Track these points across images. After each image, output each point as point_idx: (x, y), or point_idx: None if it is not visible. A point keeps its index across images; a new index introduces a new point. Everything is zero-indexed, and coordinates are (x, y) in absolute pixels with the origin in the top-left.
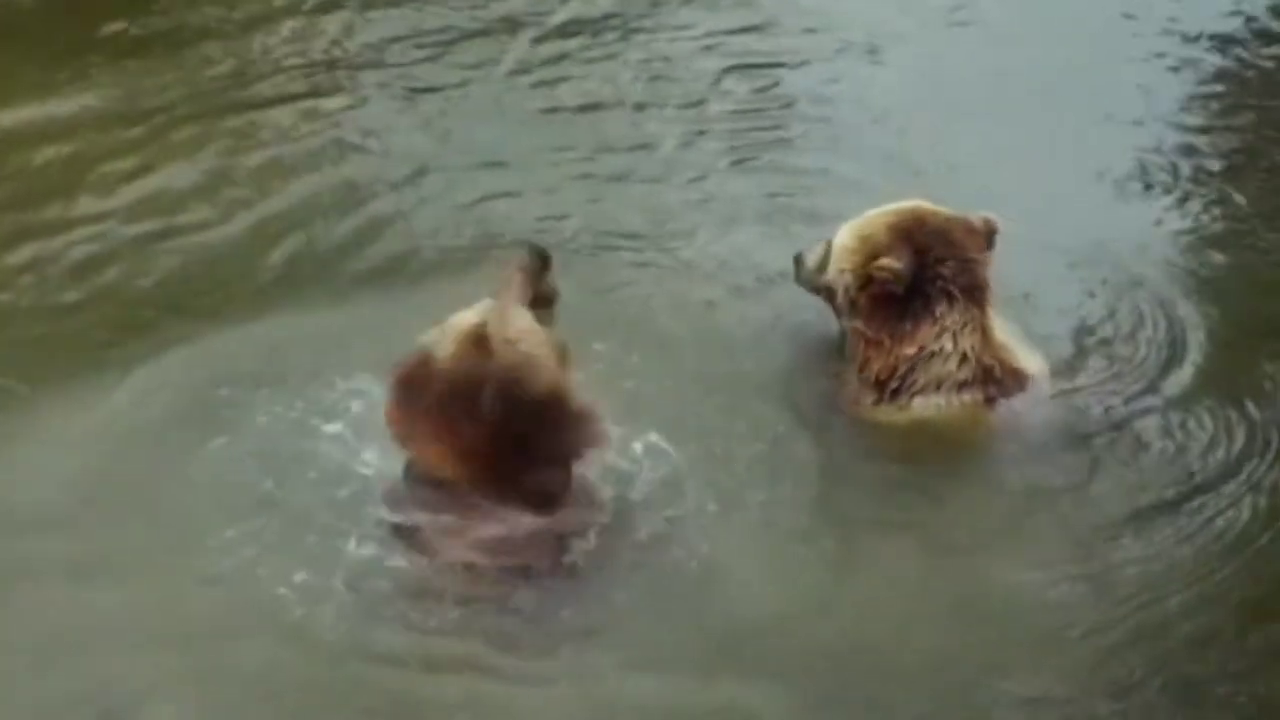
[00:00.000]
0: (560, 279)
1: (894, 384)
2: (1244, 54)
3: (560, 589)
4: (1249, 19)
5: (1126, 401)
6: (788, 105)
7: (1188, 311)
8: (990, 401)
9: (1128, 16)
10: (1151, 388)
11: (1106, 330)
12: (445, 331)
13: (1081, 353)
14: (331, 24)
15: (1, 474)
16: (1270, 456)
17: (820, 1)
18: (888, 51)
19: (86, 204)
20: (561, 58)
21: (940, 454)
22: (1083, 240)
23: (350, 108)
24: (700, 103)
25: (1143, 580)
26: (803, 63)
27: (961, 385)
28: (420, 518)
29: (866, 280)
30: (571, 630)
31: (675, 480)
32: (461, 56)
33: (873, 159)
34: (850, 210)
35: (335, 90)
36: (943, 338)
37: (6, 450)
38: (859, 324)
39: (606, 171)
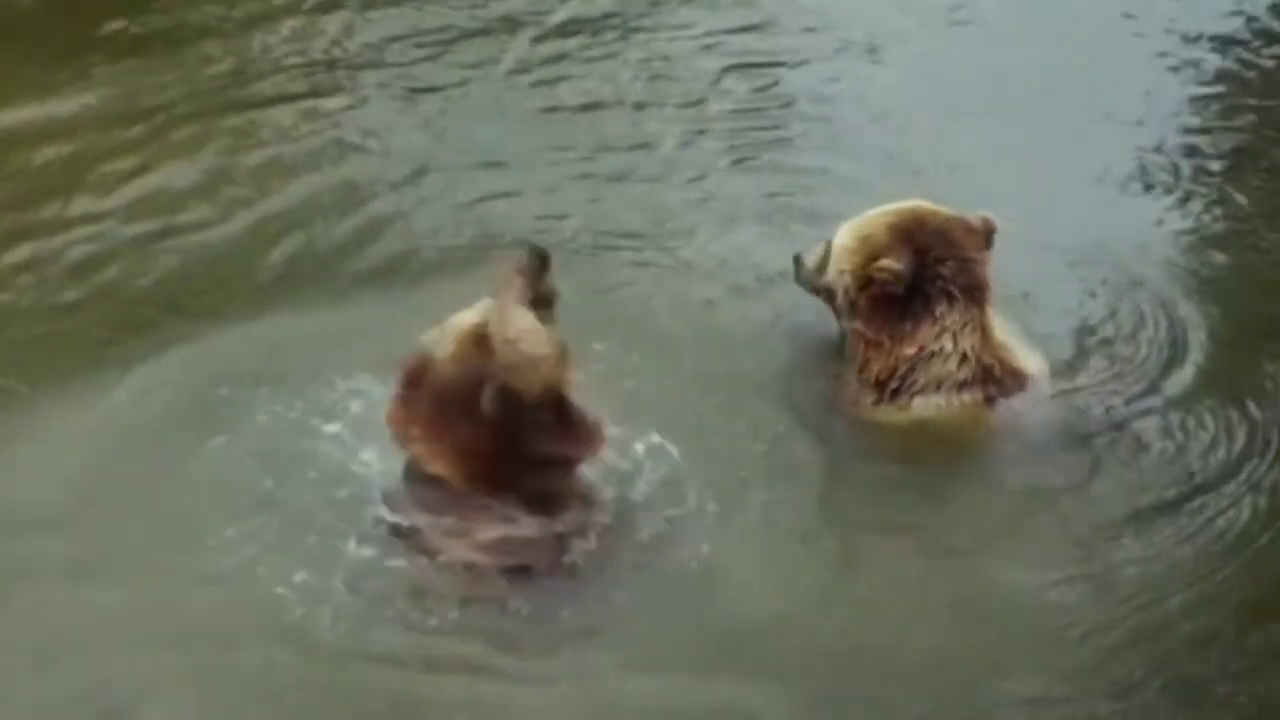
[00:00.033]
0: (560, 279)
1: (894, 384)
2: (1245, 54)
3: (560, 589)
4: (1250, 19)
5: (1127, 401)
6: (787, 105)
7: (1188, 311)
8: (990, 401)
9: (1128, 16)
10: (1152, 388)
11: (1107, 330)
12: (446, 332)
13: (1082, 353)
14: (331, 23)
15: (1, 474)
16: (1271, 457)
17: (820, 1)
18: (887, 51)
19: (86, 203)
20: (561, 57)
21: (940, 454)
22: (1083, 240)
23: (350, 107)
24: (700, 102)
25: (1143, 580)
26: (802, 62)
27: (961, 385)
28: (420, 518)
29: (866, 281)
30: (571, 630)
31: (676, 480)
32: (461, 56)
33: (872, 158)
34: (850, 210)
35: (335, 90)
36: (943, 338)
37: (6, 450)
38: (859, 324)
39: (606, 171)
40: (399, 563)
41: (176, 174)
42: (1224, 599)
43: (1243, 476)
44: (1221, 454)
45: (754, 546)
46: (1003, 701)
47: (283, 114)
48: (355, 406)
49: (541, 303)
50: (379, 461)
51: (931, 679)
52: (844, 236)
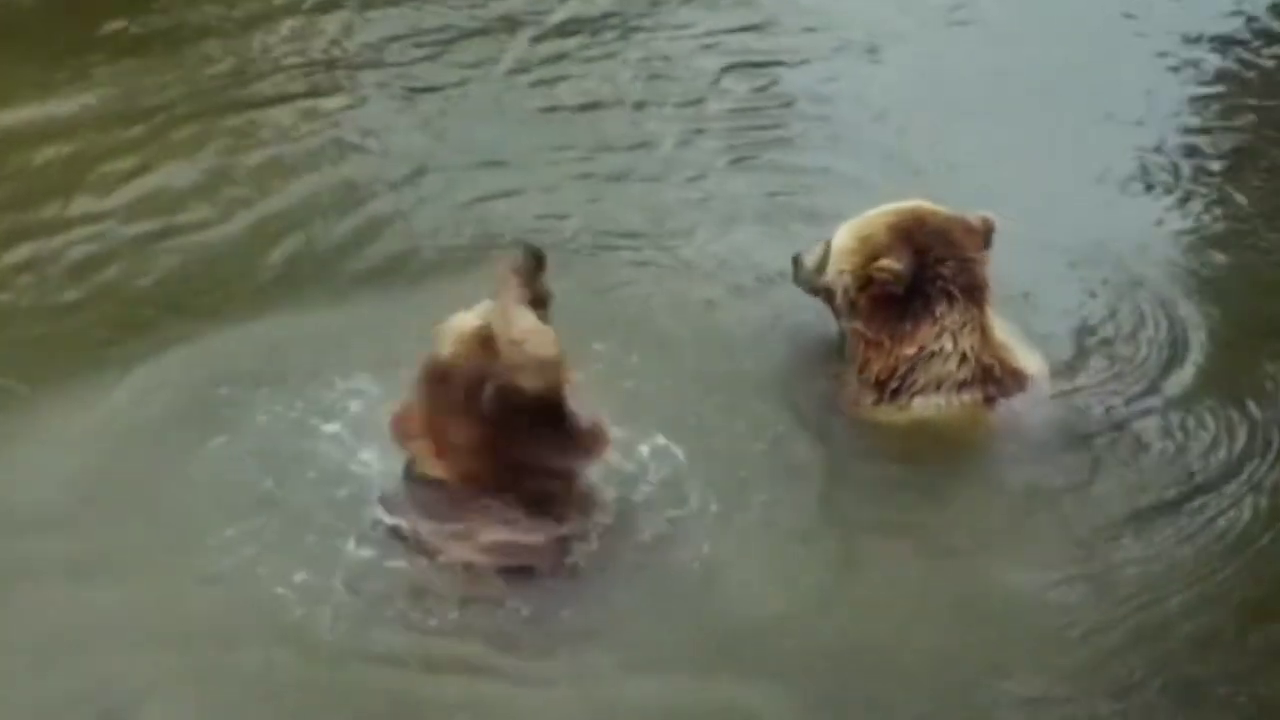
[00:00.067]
0: (560, 279)
1: (894, 384)
2: (1245, 54)
3: (560, 589)
4: (1250, 19)
5: (1127, 401)
6: (787, 104)
7: (1189, 311)
8: (990, 401)
9: (1128, 16)
10: (1152, 388)
11: (1107, 330)
12: (448, 333)
13: (1082, 353)
14: (331, 23)
15: (1, 474)
16: (1271, 457)
17: (819, 0)
18: (887, 50)
19: (86, 203)
20: (560, 57)
21: (940, 454)
22: (1083, 240)
23: (349, 107)
24: (699, 101)
25: (1143, 580)
26: (802, 61)
27: (961, 385)
28: (420, 520)
29: (866, 281)
30: (571, 631)
31: (677, 481)
32: (460, 56)
33: (872, 158)
34: (850, 210)
35: (334, 89)
36: (942, 338)
37: (6, 450)
38: (859, 325)
39: (606, 170)
40: (399, 563)
41: (176, 174)
42: (1224, 599)
43: (1243, 477)
44: (1222, 454)
45: (754, 546)
46: (1003, 701)
47: (282, 114)
48: (355, 406)
49: (536, 303)
50: (378, 461)
51: (931, 679)
52: (843, 237)
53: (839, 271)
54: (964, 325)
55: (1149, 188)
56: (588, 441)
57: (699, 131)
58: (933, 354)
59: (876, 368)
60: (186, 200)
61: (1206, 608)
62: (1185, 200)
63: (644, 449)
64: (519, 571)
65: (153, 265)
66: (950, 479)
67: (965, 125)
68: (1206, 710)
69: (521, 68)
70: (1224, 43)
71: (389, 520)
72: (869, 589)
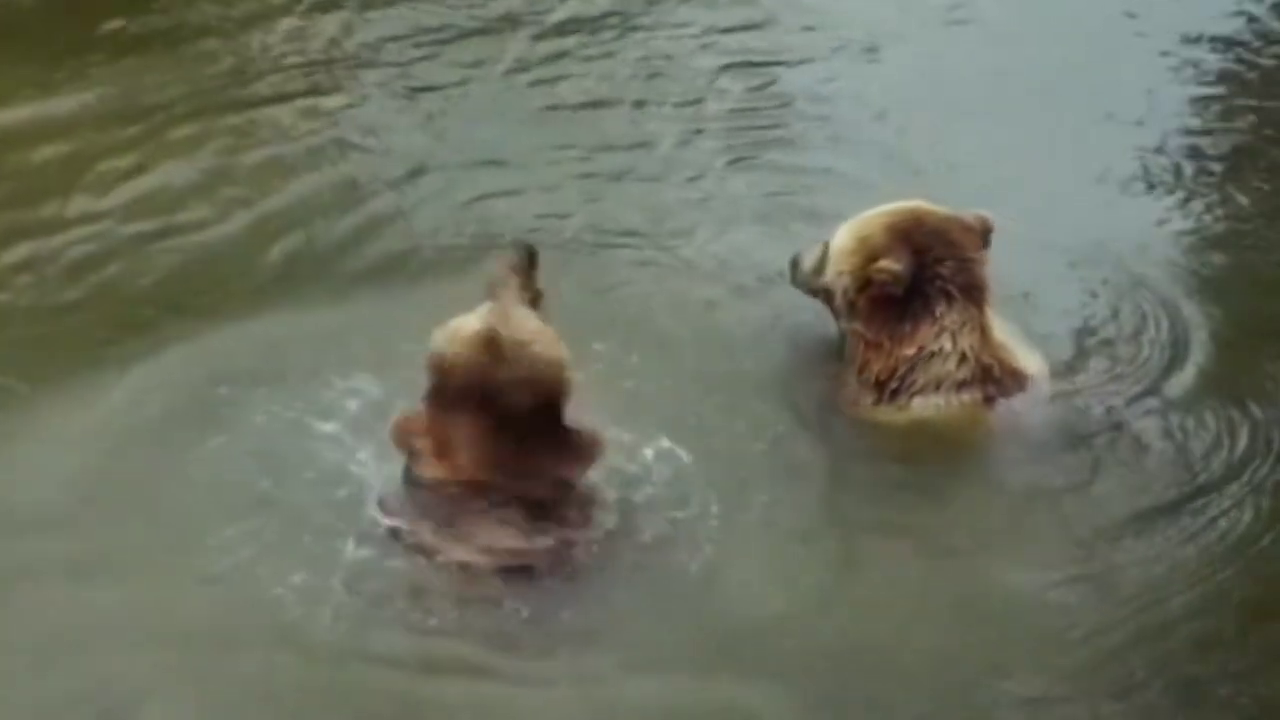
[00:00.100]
0: (560, 278)
1: (893, 385)
2: (1246, 54)
3: (560, 590)
4: (1251, 19)
5: (1128, 402)
6: (786, 103)
7: (1190, 311)
8: (989, 401)
9: (1129, 16)
10: (1153, 388)
11: (1108, 330)
12: (450, 334)
13: (1082, 353)
14: (330, 22)
15: (1, 473)
16: (1273, 457)
17: None
18: (887, 50)
19: (85, 202)
20: (560, 56)
21: (940, 454)
22: (1083, 240)
23: (349, 106)
24: (699, 101)
25: (1144, 581)
26: (801, 61)
27: (961, 385)
28: (419, 521)
29: (866, 282)
30: (571, 631)
31: (677, 481)
32: (460, 55)
33: (872, 158)
34: (850, 209)
35: (334, 89)
36: (942, 337)
37: (6, 449)
38: (858, 326)
39: (606, 170)
40: (398, 563)
41: (175, 173)
42: (1226, 600)
43: (1244, 477)
44: (1223, 455)
45: (754, 547)
46: (1003, 701)
47: (282, 113)
48: (354, 406)
49: (534, 302)
50: (377, 461)
51: (931, 679)
52: (842, 238)
53: (838, 273)
54: (963, 325)
55: (1149, 188)
56: (584, 447)
57: (699, 131)
58: (932, 354)
59: (876, 368)
60: (186, 199)
61: (1208, 608)
62: (1186, 200)
63: (648, 451)
64: (518, 572)
65: (152, 264)
66: (950, 479)
67: (965, 125)
68: (1207, 711)
69: (521, 67)
70: (1224, 43)
71: (388, 522)
72: (869, 589)
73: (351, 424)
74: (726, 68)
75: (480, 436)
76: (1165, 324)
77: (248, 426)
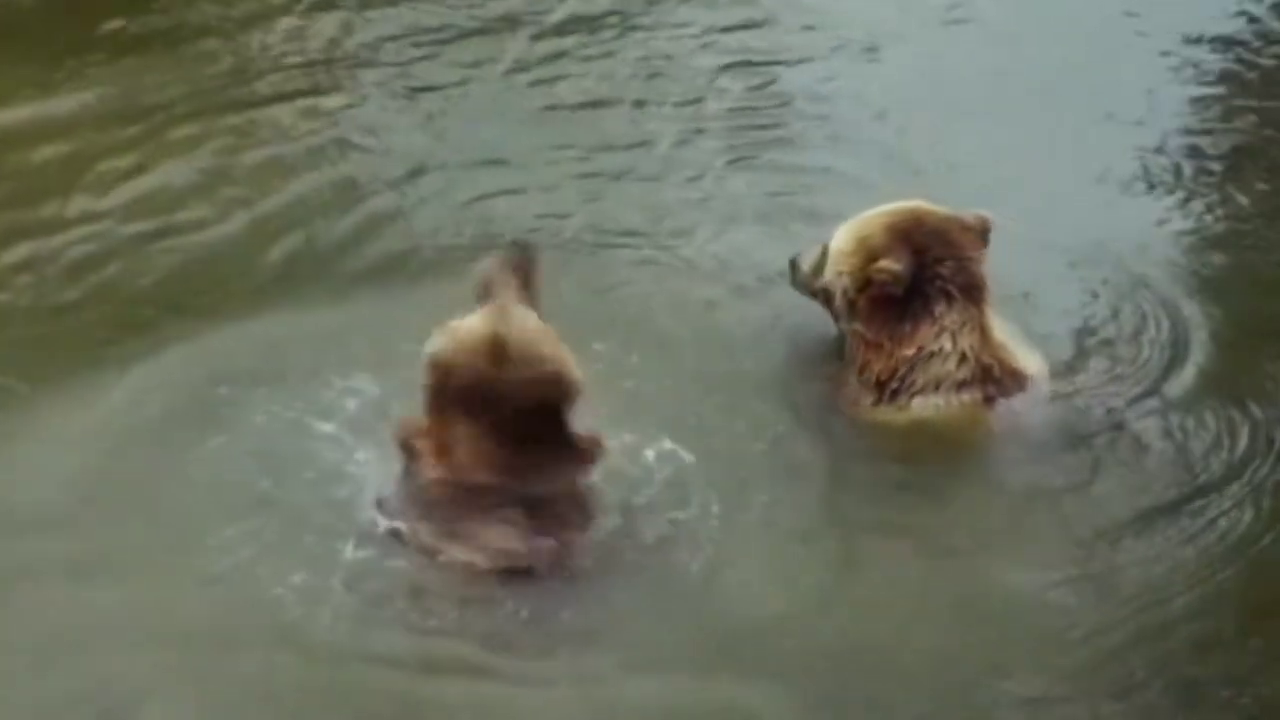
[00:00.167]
0: (560, 278)
1: (893, 385)
2: (1246, 54)
3: (560, 590)
4: (1251, 19)
5: (1128, 402)
6: (786, 103)
7: (1190, 312)
8: (989, 401)
9: (1128, 16)
10: (1153, 388)
11: (1108, 330)
12: (452, 335)
13: (1082, 353)
14: (330, 22)
15: (1, 473)
16: (1273, 457)
17: None
18: (886, 49)
19: (84, 202)
20: (560, 55)
21: (940, 454)
22: (1083, 240)
23: (349, 106)
24: (699, 100)
25: (1144, 581)
26: (801, 60)
27: (960, 385)
28: (419, 519)
29: (865, 282)
30: (571, 631)
31: (678, 482)
32: (460, 54)
33: (872, 157)
34: (850, 209)
35: (334, 88)
36: (941, 338)
37: (6, 449)
38: (858, 326)
39: (605, 169)
40: (398, 563)
41: (175, 173)
42: (1226, 600)
43: (1245, 477)
44: (1223, 455)
45: (754, 547)
46: (1003, 701)
47: (281, 113)
48: (353, 405)
49: (531, 301)
50: (376, 461)
51: (931, 679)
52: (841, 238)
53: (837, 273)
54: (963, 325)
55: (1150, 188)
56: (585, 449)
57: (699, 131)
58: (932, 354)
59: (876, 369)
60: (185, 199)
61: (1207, 608)
62: (1186, 200)
63: (648, 452)
64: (518, 572)
65: (151, 264)
66: (950, 479)
67: (965, 125)
68: (1208, 711)
69: (521, 67)
70: (1224, 43)
71: (386, 524)
72: (869, 589)
73: (351, 424)
74: (726, 67)
75: (481, 437)
76: (1165, 324)
77: (248, 426)
